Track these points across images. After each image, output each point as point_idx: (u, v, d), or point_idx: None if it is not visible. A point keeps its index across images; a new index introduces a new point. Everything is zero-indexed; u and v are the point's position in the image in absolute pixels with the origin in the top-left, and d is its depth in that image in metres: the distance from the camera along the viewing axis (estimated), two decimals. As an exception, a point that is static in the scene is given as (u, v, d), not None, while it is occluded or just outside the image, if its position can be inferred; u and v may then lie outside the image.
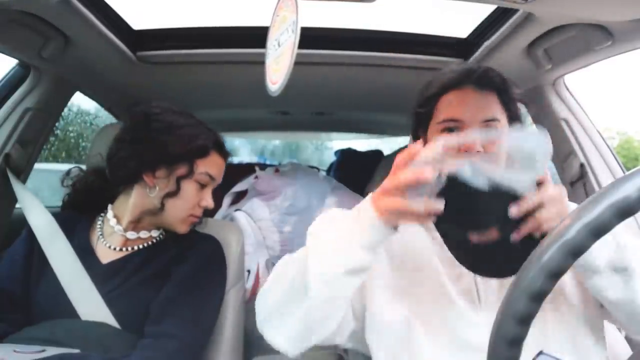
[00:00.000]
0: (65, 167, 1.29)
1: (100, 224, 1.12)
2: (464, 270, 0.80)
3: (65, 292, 1.00)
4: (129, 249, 1.09)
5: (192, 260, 1.08)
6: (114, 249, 1.08)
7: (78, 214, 1.15)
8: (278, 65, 0.74)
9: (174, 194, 1.06)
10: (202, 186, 1.09)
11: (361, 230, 0.70)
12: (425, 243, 0.89)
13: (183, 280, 1.04)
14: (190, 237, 1.14)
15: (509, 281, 0.84)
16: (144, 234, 1.11)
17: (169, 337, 0.96)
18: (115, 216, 1.11)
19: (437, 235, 0.86)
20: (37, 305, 1.01)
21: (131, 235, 1.09)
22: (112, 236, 1.09)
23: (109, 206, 1.13)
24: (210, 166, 1.09)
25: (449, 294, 0.84)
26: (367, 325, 0.85)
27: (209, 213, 1.86)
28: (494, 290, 0.85)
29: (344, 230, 0.72)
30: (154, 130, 1.07)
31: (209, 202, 1.10)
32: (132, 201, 1.09)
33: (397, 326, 0.83)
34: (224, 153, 1.14)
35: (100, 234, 1.10)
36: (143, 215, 1.09)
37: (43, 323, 0.98)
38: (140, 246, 1.10)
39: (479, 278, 0.86)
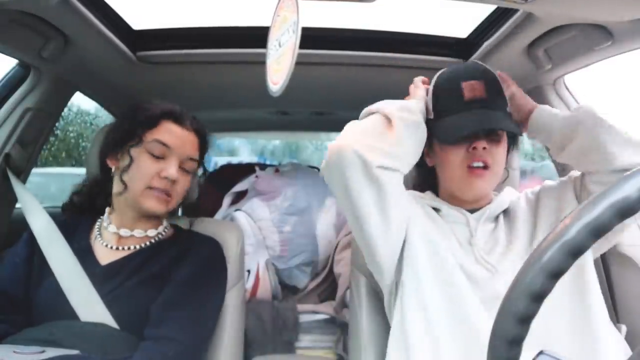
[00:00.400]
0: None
1: (98, 225, 1.14)
2: (475, 251, 0.97)
3: (65, 294, 1.00)
4: (125, 248, 1.09)
5: (192, 261, 1.08)
6: (111, 247, 1.09)
7: (78, 217, 1.17)
8: (279, 66, 0.74)
9: (127, 166, 1.06)
10: (159, 158, 1.07)
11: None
12: (444, 227, 1.02)
13: (183, 282, 1.04)
14: (190, 238, 1.14)
15: (510, 248, 0.97)
16: (138, 233, 1.11)
17: (169, 340, 0.96)
18: (109, 216, 1.13)
19: (453, 226, 1.02)
20: (37, 307, 1.02)
21: (124, 232, 1.10)
22: (107, 235, 1.11)
23: (107, 208, 1.15)
24: (162, 134, 1.08)
25: (466, 263, 0.95)
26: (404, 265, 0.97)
27: (209, 213, 1.86)
28: (501, 259, 0.96)
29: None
30: (124, 117, 1.12)
31: (169, 172, 1.06)
32: (113, 192, 1.12)
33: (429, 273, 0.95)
34: (180, 120, 1.11)
35: (98, 234, 1.12)
36: (119, 203, 1.11)
37: (43, 324, 0.98)
38: (137, 246, 1.10)
39: (482, 252, 0.97)
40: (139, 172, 1.06)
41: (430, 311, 0.91)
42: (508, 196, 1.08)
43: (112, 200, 1.13)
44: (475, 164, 0.97)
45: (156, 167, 1.06)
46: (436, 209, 1.05)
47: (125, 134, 1.09)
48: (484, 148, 0.96)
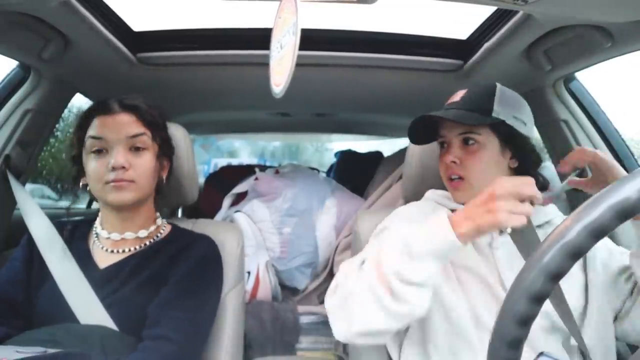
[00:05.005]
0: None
1: (95, 229, 1.14)
2: (496, 256, 0.96)
3: (64, 297, 1.01)
4: (123, 251, 1.09)
5: (187, 261, 1.08)
6: (107, 250, 1.09)
7: (77, 220, 1.18)
8: (281, 67, 0.74)
9: (80, 175, 1.09)
10: (101, 152, 1.05)
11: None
12: None
13: (179, 282, 1.05)
14: (186, 237, 1.14)
15: None
16: (129, 235, 1.10)
17: (165, 340, 0.96)
18: (100, 221, 1.14)
19: None
20: (37, 310, 1.02)
21: (115, 236, 1.10)
22: (102, 240, 1.11)
23: (99, 213, 1.16)
24: (93, 129, 1.06)
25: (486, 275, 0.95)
26: None
27: (209, 214, 1.84)
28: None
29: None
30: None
31: (113, 161, 1.03)
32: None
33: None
34: (108, 109, 1.08)
35: (96, 237, 1.12)
36: (102, 210, 1.13)
37: (43, 327, 0.98)
38: (134, 248, 1.10)
39: (502, 262, 0.96)
40: (91, 173, 1.05)
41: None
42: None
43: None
44: (453, 177, 1.02)
45: (103, 162, 1.04)
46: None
47: (76, 146, 1.09)
48: (454, 162, 1.00)
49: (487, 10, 1.37)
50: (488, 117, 0.98)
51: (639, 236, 0.87)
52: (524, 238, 0.86)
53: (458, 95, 1.05)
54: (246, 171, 2.32)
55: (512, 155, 1.02)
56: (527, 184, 0.73)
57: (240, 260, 1.25)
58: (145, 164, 1.07)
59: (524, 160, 1.02)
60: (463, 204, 1.02)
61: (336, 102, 2.11)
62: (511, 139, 1.00)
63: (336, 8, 1.02)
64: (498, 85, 1.05)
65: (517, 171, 1.04)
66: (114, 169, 1.02)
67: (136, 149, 1.06)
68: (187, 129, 1.29)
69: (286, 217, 1.94)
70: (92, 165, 1.05)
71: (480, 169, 0.99)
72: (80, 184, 1.11)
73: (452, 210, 1.05)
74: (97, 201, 1.14)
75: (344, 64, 1.58)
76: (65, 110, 1.64)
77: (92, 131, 1.06)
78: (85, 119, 1.08)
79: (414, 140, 1.10)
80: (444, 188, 1.12)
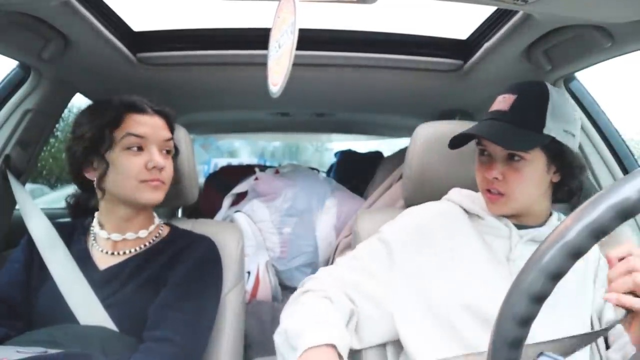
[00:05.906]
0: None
1: (92, 230, 1.13)
2: (511, 267, 0.94)
3: (64, 299, 1.01)
4: (121, 252, 1.09)
5: (188, 262, 1.08)
6: (107, 253, 1.09)
7: (75, 220, 1.17)
8: (278, 67, 0.74)
9: (104, 172, 1.04)
10: (138, 150, 1.05)
11: None
12: (472, 244, 0.98)
13: (179, 283, 1.04)
14: (185, 238, 1.14)
15: None
16: (130, 236, 1.10)
17: (167, 341, 0.96)
18: (99, 222, 1.13)
19: (492, 239, 0.98)
20: (37, 311, 1.02)
21: (116, 237, 1.09)
22: (101, 240, 1.11)
23: (96, 213, 1.14)
24: (131, 127, 1.05)
25: (494, 279, 0.92)
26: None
27: (209, 214, 1.84)
28: None
29: None
30: (81, 124, 1.08)
31: (155, 161, 1.04)
32: (98, 198, 1.11)
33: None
34: (142, 109, 1.08)
35: (94, 239, 1.12)
36: (106, 207, 1.10)
37: (43, 327, 0.98)
38: (133, 250, 1.10)
39: (512, 260, 0.94)
40: (125, 171, 1.03)
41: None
42: None
43: (99, 206, 1.12)
44: (492, 190, 0.95)
45: (140, 160, 1.04)
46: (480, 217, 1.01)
47: (94, 140, 1.05)
48: (496, 178, 0.93)
49: (487, 10, 1.37)
50: (539, 137, 0.90)
51: None
52: None
53: (507, 102, 0.94)
54: (246, 171, 2.32)
55: (557, 170, 0.95)
56: None
57: (240, 260, 1.25)
58: (171, 167, 1.11)
59: (568, 175, 0.96)
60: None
61: (336, 102, 2.11)
62: (559, 155, 0.93)
63: (336, 8, 1.02)
64: (550, 89, 0.94)
65: (557, 185, 0.97)
66: (154, 168, 1.04)
67: (166, 152, 1.11)
68: (187, 129, 1.29)
69: (286, 217, 1.94)
70: (126, 162, 1.03)
71: (523, 186, 0.93)
72: (91, 178, 1.09)
73: (479, 217, 1.00)
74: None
75: (344, 64, 1.58)
76: (65, 110, 1.64)
77: (132, 129, 1.05)
78: (117, 115, 1.05)
79: (450, 146, 1.01)
80: (444, 189, 1.12)
